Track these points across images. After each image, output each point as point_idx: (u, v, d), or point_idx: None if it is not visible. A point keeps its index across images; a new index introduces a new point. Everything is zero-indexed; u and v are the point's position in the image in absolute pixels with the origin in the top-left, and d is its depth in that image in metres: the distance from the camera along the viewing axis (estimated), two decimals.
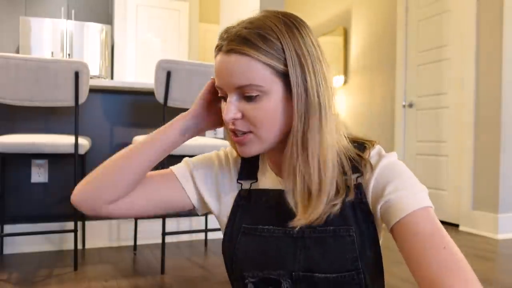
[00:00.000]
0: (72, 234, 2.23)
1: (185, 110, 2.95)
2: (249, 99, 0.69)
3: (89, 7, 5.01)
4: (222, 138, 2.77)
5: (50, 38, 4.68)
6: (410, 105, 3.73)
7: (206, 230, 2.41)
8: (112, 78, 4.88)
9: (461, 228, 3.13)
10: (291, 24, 0.70)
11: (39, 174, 2.44)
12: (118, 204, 0.79)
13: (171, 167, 0.87)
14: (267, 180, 0.82)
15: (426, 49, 3.61)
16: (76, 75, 2.02)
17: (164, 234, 2.12)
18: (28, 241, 2.38)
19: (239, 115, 0.71)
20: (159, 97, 2.12)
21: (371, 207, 0.73)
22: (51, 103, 2.07)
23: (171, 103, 2.14)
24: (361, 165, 0.74)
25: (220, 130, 2.84)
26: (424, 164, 3.58)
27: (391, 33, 3.95)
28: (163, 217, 2.14)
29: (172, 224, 2.66)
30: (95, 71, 4.78)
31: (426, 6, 3.62)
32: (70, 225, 2.42)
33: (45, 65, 1.97)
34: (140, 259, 2.32)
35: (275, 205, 0.77)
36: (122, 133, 2.60)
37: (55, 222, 2.45)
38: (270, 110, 0.69)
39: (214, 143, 2.28)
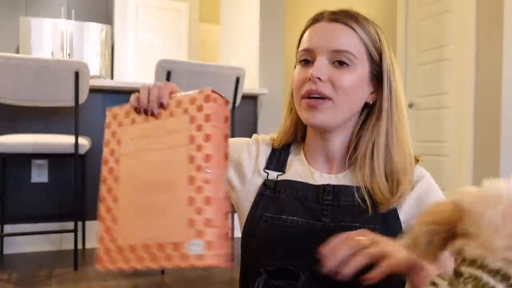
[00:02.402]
0: (72, 234, 2.23)
1: None
2: (340, 64, 0.73)
3: (89, 7, 5.01)
4: None
5: (50, 38, 4.68)
6: (410, 105, 3.73)
7: None
8: (112, 78, 4.88)
9: None
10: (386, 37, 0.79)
11: (39, 174, 2.44)
12: None
13: None
14: (297, 169, 0.82)
15: (426, 49, 3.61)
16: (76, 75, 2.02)
17: None
18: (28, 241, 2.38)
19: (325, 77, 0.72)
20: None
21: (404, 218, 0.76)
22: (51, 103, 2.07)
23: None
24: None
25: None
26: (424, 164, 3.57)
27: (391, 33, 3.95)
28: None
29: None
30: (95, 71, 4.78)
31: (426, 6, 3.62)
32: (70, 225, 2.42)
33: (45, 65, 1.97)
34: None
35: (301, 198, 0.77)
36: None
37: (55, 222, 2.45)
38: (355, 81, 0.73)
39: None
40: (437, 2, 3.50)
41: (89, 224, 2.51)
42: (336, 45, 0.72)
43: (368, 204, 0.74)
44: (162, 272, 2.07)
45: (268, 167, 0.83)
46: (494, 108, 2.96)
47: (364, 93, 0.75)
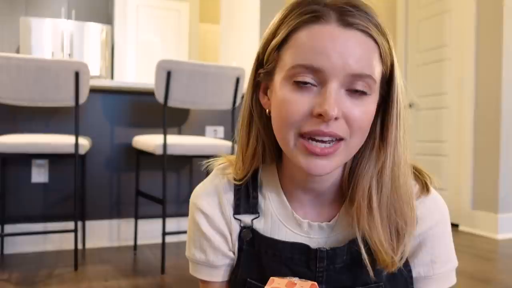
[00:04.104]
0: (72, 234, 2.23)
1: (185, 110, 2.92)
2: (356, 92, 0.53)
3: (89, 7, 5.01)
4: (222, 138, 2.77)
5: (50, 38, 4.68)
6: (410, 105, 3.73)
7: None
8: (112, 78, 4.89)
9: (461, 228, 3.13)
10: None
11: (39, 174, 2.44)
12: None
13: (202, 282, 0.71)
14: (278, 213, 0.65)
15: (426, 49, 3.62)
16: (77, 75, 2.02)
17: (164, 234, 2.12)
18: (28, 241, 2.38)
19: (340, 112, 0.53)
20: (159, 97, 2.12)
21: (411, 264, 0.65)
22: (52, 103, 2.07)
23: (171, 103, 2.14)
24: None
25: (220, 130, 2.84)
26: (424, 164, 3.53)
27: (391, 33, 3.94)
28: (163, 217, 2.15)
29: (172, 224, 2.66)
30: (95, 71, 4.78)
31: (426, 6, 3.62)
32: (70, 225, 2.42)
33: (46, 65, 1.98)
34: (140, 259, 2.32)
35: (287, 261, 0.62)
36: (122, 133, 2.60)
37: (55, 222, 2.45)
38: (371, 114, 0.56)
39: (214, 143, 2.28)
40: (437, 2, 3.50)
41: (89, 224, 2.51)
42: (357, 67, 0.52)
43: (367, 260, 0.59)
44: (163, 272, 2.07)
45: (237, 211, 0.65)
46: (494, 108, 2.96)
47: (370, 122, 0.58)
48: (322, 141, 0.54)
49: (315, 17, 0.53)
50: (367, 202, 0.58)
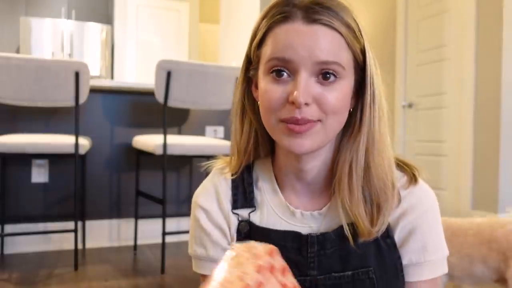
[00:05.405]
0: (72, 234, 2.24)
1: (185, 110, 2.91)
2: (325, 79, 0.59)
3: (90, 7, 5.01)
4: (222, 138, 2.77)
5: (51, 38, 4.69)
6: (410, 105, 3.73)
7: None
8: (112, 78, 4.89)
9: None
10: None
11: (39, 174, 2.44)
12: None
13: (201, 276, 0.74)
14: (273, 205, 0.69)
15: (426, 49, 3.62)
16: (77, 75, 2.02)
17: (164, 234, 2.13)
18: (28, 241, 2.38)
19: (311, 99, 0.59)
20: (159, 97, 2.12)
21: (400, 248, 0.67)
22: (52, 103, 2.07)
23: (171, 103, 2.14)
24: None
25: (220, 130, 2.85)
26: (423, 164, 3.58)
27: (391, 33, 3.95)
28: (163, 217, 2.15)
29: (172, 224, 2.66)
30: (95, 71, 4.78)
31: (426, 6, 3.62)
32: (70, 225, 2.42)
33: (46, 65, 1.98)
34: (140, 259, 2.33)
35: (281, 249, 0.60)
36: (122, 133, 2.60)
37: (55, 222, 2.45)
38: (343, 97, 0.61)
39: (214, 143, 2.28)
40: (436, 2, 3.51)
41: (89, 224, 2.52)
42: (324, 56, 0.58)
43: (349, 232, 0.64)
44: (163, 271, 2.07)
45: (235, 206, 0.70)
46: (494, 108, 2.96)
47: (349, 103, 0.64)
48: (297, 124, 0.60)
49: (285, 17, 0.60)
50: (347, 175, 0.64)
